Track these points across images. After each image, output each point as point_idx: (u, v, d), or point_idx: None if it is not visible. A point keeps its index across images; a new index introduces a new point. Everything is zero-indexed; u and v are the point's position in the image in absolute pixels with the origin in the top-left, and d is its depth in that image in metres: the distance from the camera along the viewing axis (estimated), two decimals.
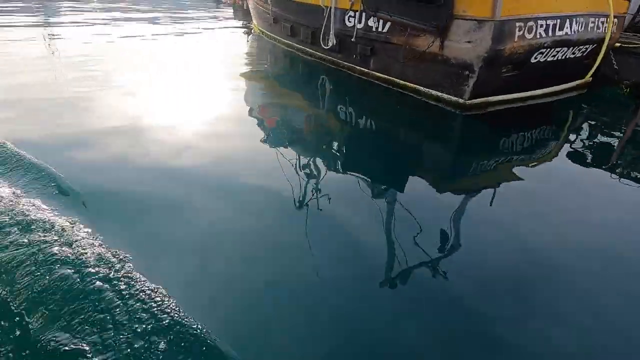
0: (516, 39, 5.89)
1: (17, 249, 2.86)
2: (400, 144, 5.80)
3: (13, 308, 2.44)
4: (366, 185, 4.31)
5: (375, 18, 7.25)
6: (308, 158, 4.94)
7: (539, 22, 6.01)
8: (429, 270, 3.03)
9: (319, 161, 4.87)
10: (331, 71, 8.85)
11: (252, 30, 14.58)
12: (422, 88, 7.00)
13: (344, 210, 3.78)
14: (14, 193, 3.56)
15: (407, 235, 3.36)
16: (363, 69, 8.12)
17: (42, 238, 2.96)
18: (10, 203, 3.37)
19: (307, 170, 4.63)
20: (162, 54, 10.09)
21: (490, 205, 4.02)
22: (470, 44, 5.93)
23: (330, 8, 8.08)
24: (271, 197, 3.98)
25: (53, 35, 11.96)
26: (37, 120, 5.62)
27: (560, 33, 6.29)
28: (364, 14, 7.51)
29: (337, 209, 3.80)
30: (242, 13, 21.59)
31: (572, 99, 7.37)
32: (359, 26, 7.69)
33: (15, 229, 3.06)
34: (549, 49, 6.34)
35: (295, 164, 4.74)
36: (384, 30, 7.23)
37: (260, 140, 5.46)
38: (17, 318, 2.38)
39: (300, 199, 3.95)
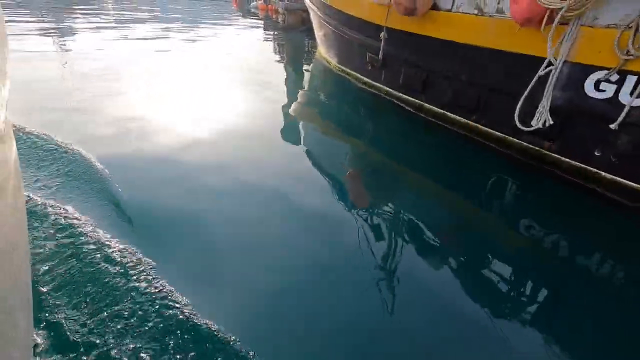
0: None
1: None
2: None
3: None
4: None
5: None
6: None
7: None
8: None
9: None
10: (525, 169, 4.74)
11: (315, 58, 10.71)
12: None
13: None
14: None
15: None
16: (630, 183, 4.15)
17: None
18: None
19: None
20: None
21: None
22: None
23: (558, 61, 4.16)
24: None
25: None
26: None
27: None
28: None
29: None
30: (280, 29, 17.80)
31: None
32: (634, 103, 3.77)
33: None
34: None
35: None
36: None
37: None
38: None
39: None
